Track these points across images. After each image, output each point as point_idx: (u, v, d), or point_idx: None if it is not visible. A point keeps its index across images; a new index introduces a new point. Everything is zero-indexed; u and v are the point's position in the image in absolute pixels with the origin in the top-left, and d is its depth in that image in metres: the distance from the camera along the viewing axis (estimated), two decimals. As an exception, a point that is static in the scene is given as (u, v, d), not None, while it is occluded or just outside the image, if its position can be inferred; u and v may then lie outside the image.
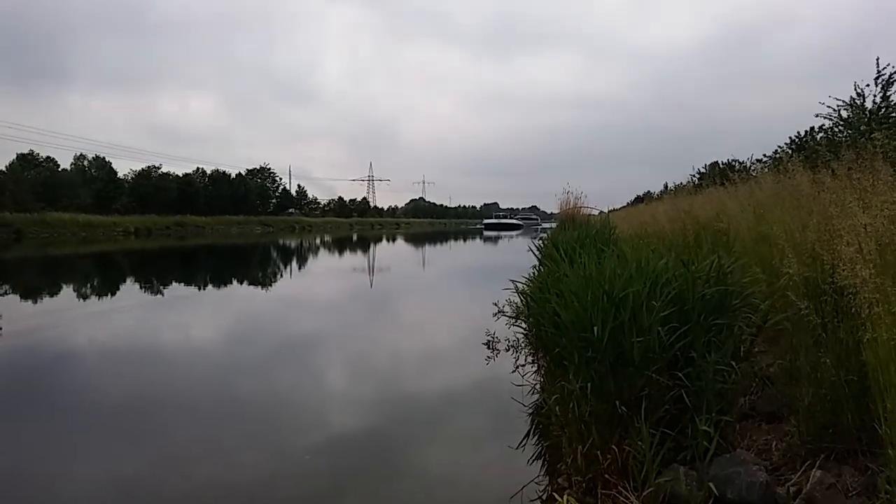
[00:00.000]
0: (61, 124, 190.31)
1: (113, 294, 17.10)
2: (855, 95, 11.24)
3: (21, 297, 16.36)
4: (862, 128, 10.40)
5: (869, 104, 11.07)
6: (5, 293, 16.77)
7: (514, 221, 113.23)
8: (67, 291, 17.51)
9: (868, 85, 11.02)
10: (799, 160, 6.18)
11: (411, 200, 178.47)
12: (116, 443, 5.50)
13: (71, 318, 12.25)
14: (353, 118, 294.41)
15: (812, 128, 14.39)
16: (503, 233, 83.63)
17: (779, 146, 15.62)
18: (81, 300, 15.55)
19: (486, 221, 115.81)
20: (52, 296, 16.37)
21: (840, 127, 11.66)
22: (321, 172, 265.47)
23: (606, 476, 3.61)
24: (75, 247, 37.17)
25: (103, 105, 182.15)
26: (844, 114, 11.43)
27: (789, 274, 3.83)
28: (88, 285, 19.45)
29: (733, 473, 3.20)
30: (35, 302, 15.26)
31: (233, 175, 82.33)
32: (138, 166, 71.79)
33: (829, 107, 11.50)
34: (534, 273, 7.50)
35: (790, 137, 15.28)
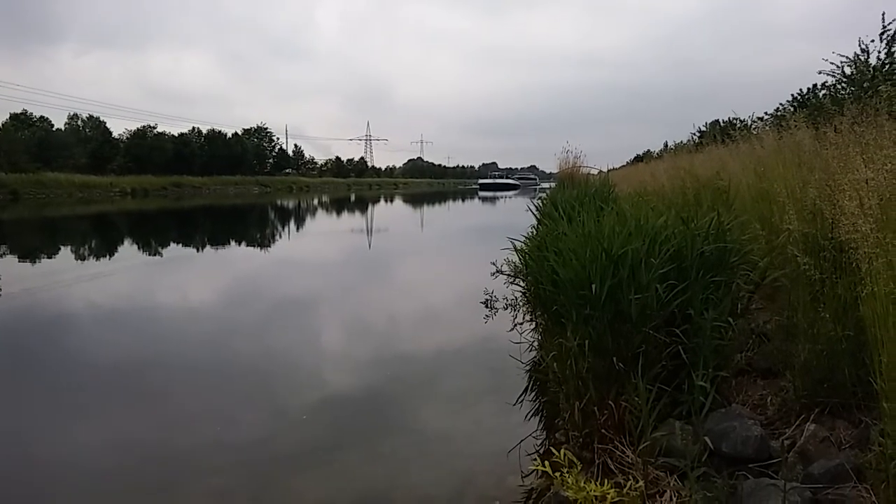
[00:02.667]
0: (52, 84, 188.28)
1: (112, 256, 17.10)
2: (859, 51, 11.03)
3: (21, 258, 16.33)
4: (865, 84, 10.22)
5: (873, 60, 10.87)
6: (4, 255, 16.74)
7: (510, 181, 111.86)
8: (68, 253, 17.50)
9: (873, 41, 10.81)
10: (801, 117, 6.10)
11: (409, 160, 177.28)
12: (116, 403, 5.56)
13: (71, 280, 12.26)
14: (350, 76, 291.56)
15: (815, 85, 14.19)
16: (499, 193, 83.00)
17: (780, 104, 15.41)
18: (81, 262, 15.56)
19: (480, 181, 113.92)
20: (51, 257, 16.36)
21: (843, 84, 11.47)
22: (318, 132, 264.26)
23: (603, 431, 3.65)
24: (73, 207, 37.02)
25: (95, 64, 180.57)
26: (848, 70, 11.23)
27: (789, 230, 3.81)
28: (88, 247, 19.43)
29: (728, 428, 3.23)
30: (34, 263, 15.25)
31: (229, 135, 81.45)
32: (132, 126, 71.09)
33: (832, 63, 11.29)
34: (532, 232, 7.48)
35: (792, 95, 15.08)
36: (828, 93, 12.39)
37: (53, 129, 64.31)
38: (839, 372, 3.31)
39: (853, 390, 3.27)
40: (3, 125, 57.37)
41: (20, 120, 61.84)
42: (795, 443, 3.14)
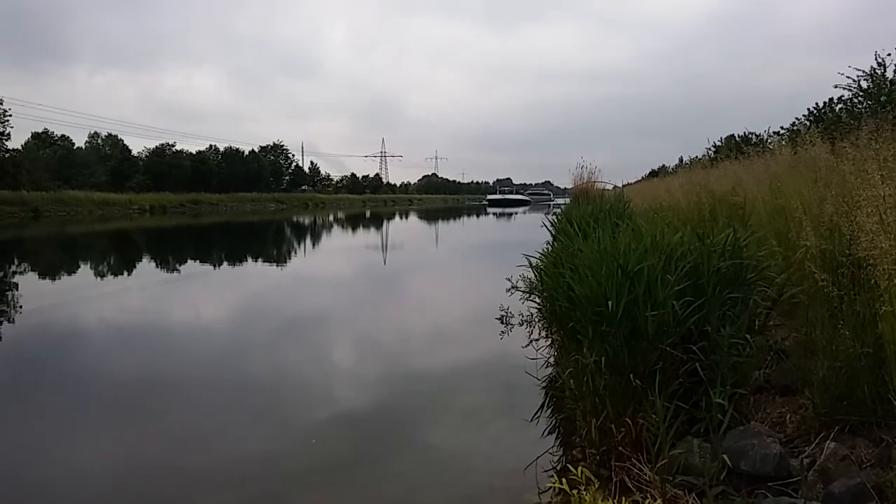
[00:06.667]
0: (68, 102, 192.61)
1: (130, 273, 17.28)
2: (876, 65, 10.97)
3: (41, 275, 16.58)
4: (882, 98, 10.16)
5: (890, 74, 10.81)
6: (25, 272, 17.00)
7: (520, 197, 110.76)
8: (87, 270, 17.72)
9: (889, 54, 10.76)
10: (817, 132, 6.08)
11: (424, 176, 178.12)
12: (130, 420, 5.57)
13: (89, 297, 12.42)
14: (364, 93, 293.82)
15: (831, 99, 14.13)
16: (509, 209, 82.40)
17: (796, 118, 15.36)
18: (100, 279, 15.76)
19: (489, 197, 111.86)
20: (70, 274, 16.58)
21: (860, 98, 11.41)
22: (333, 148, 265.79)
23: (620, 448, 3.64)
24: (92, 225, 37.51)
25: (108, 82, 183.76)
26: (864, 84, 11.18)
27: (806, 246, 3.80)
28: (107, 264, 19.66)
29: (747, 445, 3.21)
30: (54, 280, 15.47)
31: (246, 152, 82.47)
32: (146, 142, 72.35)
33: (848, 77, 11.24)
34: (547, 248, 7.49)
35: (808, 109, 15.02)
36: (844, 107, 12.33)
37: (74, 147, 65.48)
38: (859, 389, 3.28)
39: (873, 408, 3.24)
40: (25, 144, 58.50)
41: (41, 139, 63.05)
42: (815, 461, 3.11)
